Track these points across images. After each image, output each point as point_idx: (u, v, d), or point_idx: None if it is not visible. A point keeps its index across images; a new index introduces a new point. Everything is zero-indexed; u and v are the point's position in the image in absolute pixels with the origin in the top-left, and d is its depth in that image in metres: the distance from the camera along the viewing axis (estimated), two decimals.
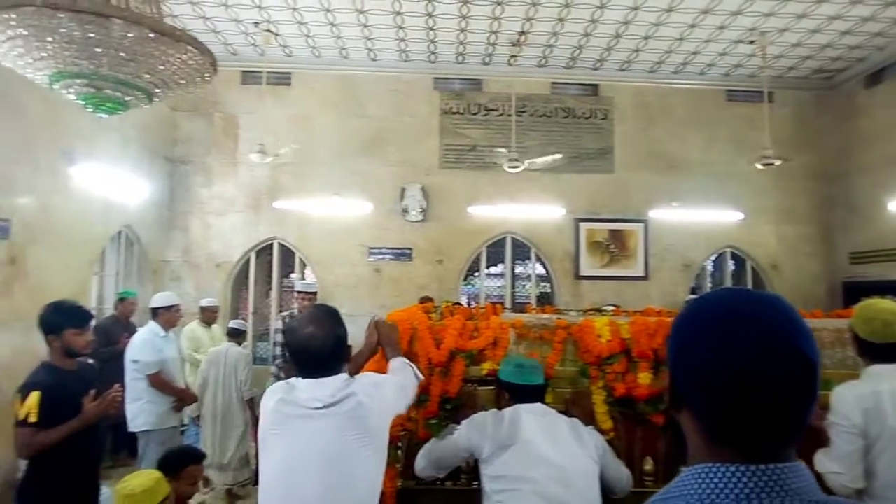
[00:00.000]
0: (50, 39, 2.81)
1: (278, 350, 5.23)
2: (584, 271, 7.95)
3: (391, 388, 1.89)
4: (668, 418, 2.43)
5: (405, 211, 7.79)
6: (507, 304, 7.55)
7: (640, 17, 6.51)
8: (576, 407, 2.50)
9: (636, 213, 8.02)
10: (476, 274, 8.51)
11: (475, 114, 8.07)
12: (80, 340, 2.89)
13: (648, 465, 2.51)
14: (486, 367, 2.51)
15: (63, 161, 5.50)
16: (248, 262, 7.85)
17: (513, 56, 7.46)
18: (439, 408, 2.45)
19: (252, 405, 4.87)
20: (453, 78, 8.07)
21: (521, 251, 8.35)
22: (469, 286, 8.53)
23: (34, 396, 2.66)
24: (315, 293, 5.33)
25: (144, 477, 2.52)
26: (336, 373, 1.82)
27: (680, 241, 8.01)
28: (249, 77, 7.86)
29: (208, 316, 5.98)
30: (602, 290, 7.70)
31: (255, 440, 1.99)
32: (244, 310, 7.99)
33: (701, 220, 8.02)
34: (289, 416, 1.73)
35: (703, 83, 8.18)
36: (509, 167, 6.98)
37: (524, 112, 8.07)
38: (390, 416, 1.87)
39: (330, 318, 1.85)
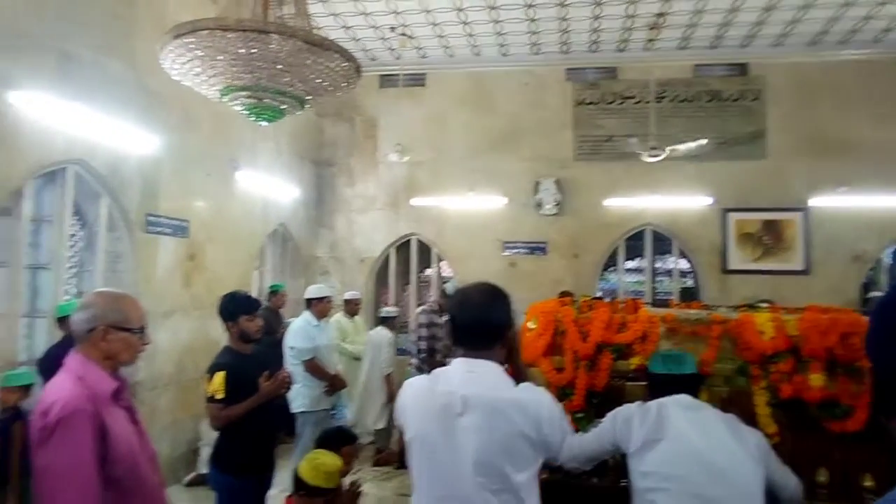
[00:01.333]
0: (220, 58, 3.12)
1: (423, 344, 5.36)
2: (732, 265, 7.37)
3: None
4: (868, 427, 2.17)
5: (539, 205, 7.73)
6: (647, 300, 7.22)
7: None
8: (733, 407, 2.32)
9: (794, 202, 7.28)
10: (613, 268, 8.23)
11: (610, 103, 7.80)
12: (252, 325, 3.21)
13: (823, 477, 2.25)
14: (635, 361, 2.42)
15: (229, 168, 6.12)
16: (388, 257, 8.23)
17: (651, 40, 7.10)
18: (586, 402, 2.40)
19: (390, 381, 5.65)
20: (587, 67, 7.85)
21: (662, 244, 7.93)
22: (605, 281, 8.27)
23: (219, 376, 3.00)
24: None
25: (332, 458, 2.76)
26: (493, 351, 1.72)
27: (848, 231, 7.15)
28: (387, 80, 8.22)
29: (351, 308, 6.37)
30: (753, 286, 7.09)
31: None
32: (385, 303, 8.38)
33: (874, 206, 7.09)
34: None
35: (878, 53, 7.22)
36: (649, 157, 6.66)
37: (664, 98, 7.65)
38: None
39: (498, 293, 1.79)
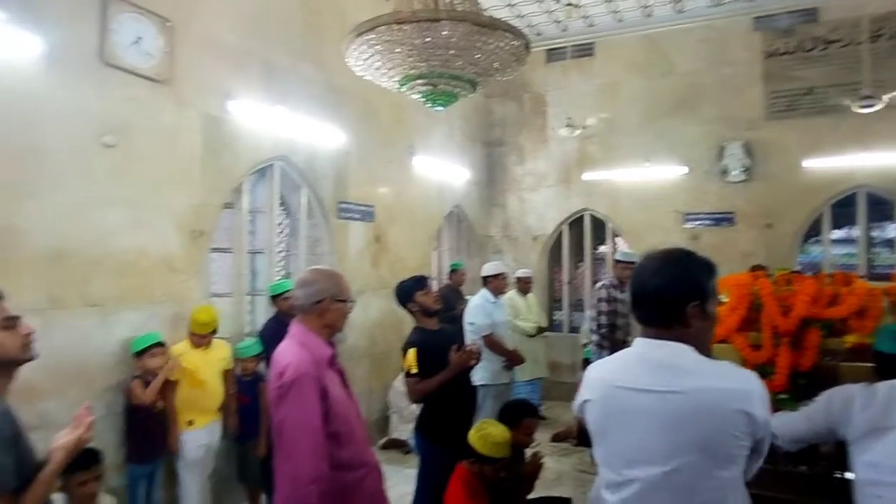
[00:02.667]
0: (398, 50, 3.31)
1: (603, 320, 5.14)
2: None
3: None
4: None
5: (724, 172, 7.10)
6: (862, 274, 6.31)
7: None
8: None
9: None
10: (815, 239, 7.30)
11: (809, 50, 6.86)
12: (428, 298, 3.40)
13: None
14: (851, 339, 2.14)
15: (407, 154, 6.50)
16: (560, 234, 8.16)
17: None
18: (790, 382, 2.18)
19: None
20: (779, 13, 6.98)
21: (880, 210, 6.85)
22: (805, 255, 7.36)
23: (412, 353, 3.25)
24: (633, 263, 5.26)
25: (500, 429, 2.88)
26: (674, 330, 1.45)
27: None
28: (554, 54, 8.08)
29: (523, 285, 6.43)
30: None
31: None
32: (558, 280, 8.35)
33: None
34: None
35: None
36: (861, 107, 5.77)
37: (880, 36, 6.53)
38: None
39: (682, 257, 1.52)
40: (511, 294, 6.35)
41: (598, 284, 5.35)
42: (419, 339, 3.30)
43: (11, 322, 1.67)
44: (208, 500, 3.96)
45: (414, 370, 3.20)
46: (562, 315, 8.21)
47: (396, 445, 5.67)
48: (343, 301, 2.18)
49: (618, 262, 5.32)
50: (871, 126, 6.28)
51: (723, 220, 7.12)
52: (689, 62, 7.35)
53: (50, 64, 3.20)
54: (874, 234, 7.14)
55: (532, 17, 7.39)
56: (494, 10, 7.03)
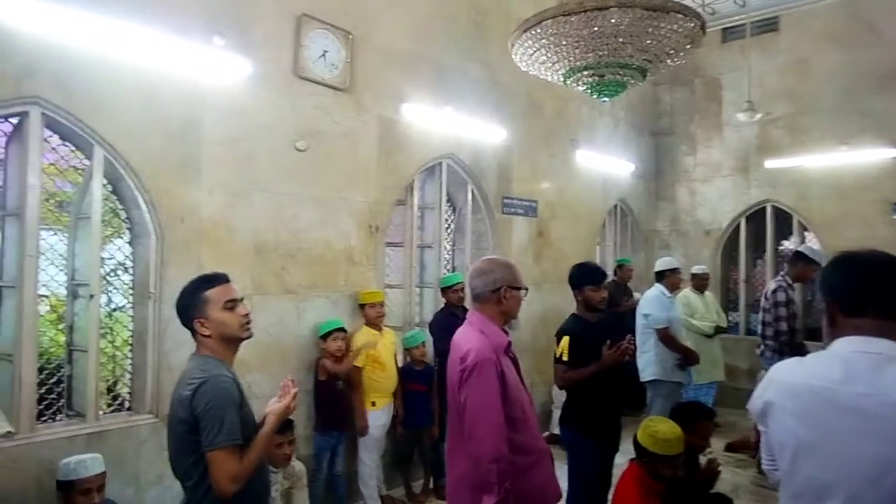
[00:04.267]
0: (564, 42, 3.29)
1: (783, 325, 4.72)
2: None
3: None
4: None
5: None
6: None
7: None
8: None
9: None
10: None
11: None
12: (596, 296, 3.36)
13: None
14: None
15: (570, 148, 6.42)
16: (737, 228, 7.52)
17: None
18: None
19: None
20: None
21: None
22: None
23: (565, 340, 3.25)
24: (819, 264, 4.73)
25: (670, 426, 2.77)
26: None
27: None
28: (730, 33, 7.47)
29: (699, 283, 6.04)
30: None
31: None
32: (734, 279, 7.71)
33: None
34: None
35: None
36: None
37: None
38: None
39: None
40: (686, 292, 5.99)
41: (773, 286, 4.85)
42: (574, 328, 3.30)
43: (233, 304, 1.96)
44: (382, 476, 4.29)
45: (565, 357, 3.20)
46: (738, 316, 7.56)
47: (557, 441, 5.65)
48: (518, 288, 2.25)
49: (800, 258, 4.80)
50: None
51: None
52: None
53: (256, 81, 3.68)
54: None
55: None
56: None
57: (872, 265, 1.38)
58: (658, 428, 2.72)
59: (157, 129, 3.31)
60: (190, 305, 1.95)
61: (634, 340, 3.47)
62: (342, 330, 3.98)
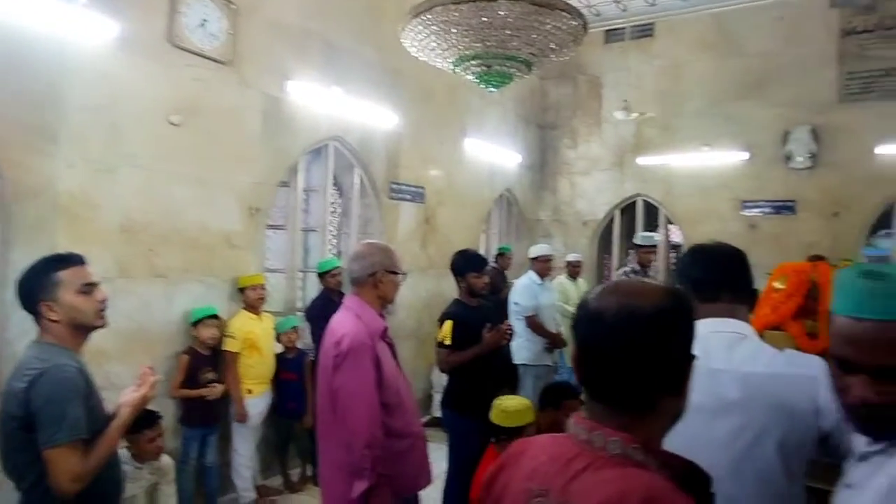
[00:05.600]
0: (454, 30, 3.32)
1: None
2: None
3: None
4: None
5: (788, 158, 6.80)
6: None
7: None
8: None
9: None
10: (886, 232, 6.91)
11: (891, 28, 6.45)
12: (478, 282, 3.47)
13: None
14: None
15: (460, 136, 6.50)
16: (612, 219, 8.03)
17: None
18: None
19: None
20: None
21: None
22: (872, 248, 7.00)
23: (448, 324, 3.33)
24: (655, 247, 5.44)
25: (517, 400, 2.93)
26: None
27: None
28: (612, 35, 7.89)
29: (573, 270, 6.41)
30: None
31: None
32: (608, 266, 8.23)
33: None
34: None
35: None
36: None
37: None
38: None
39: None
40: (561, 279, 6.33)
41: (621, 270, 5.37)
42: (457, 312, 3.39)
43: (90, 288, 1.80)
44: (257, 466, 4.16)
45: (448, 341, 3.29)
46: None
47: (438, 424, 5.78)
48: (395, 273, 2.26)
49: (639, 246, 5.39)
50: None
51: (783, 208, 6.85)
52: (760, 43, 7.02)
53: (124, 45, 3.37)
54: None
55: None
56: None
57: (722, 256, 1.54)
58: (505, 403, 2.84)
59: (8, 91, 2.95)
60: (37, 287, 1.76)
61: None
62: (215, 317, 3.79)
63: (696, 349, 1.38)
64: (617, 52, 7.84)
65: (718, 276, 1.49)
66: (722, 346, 1.39)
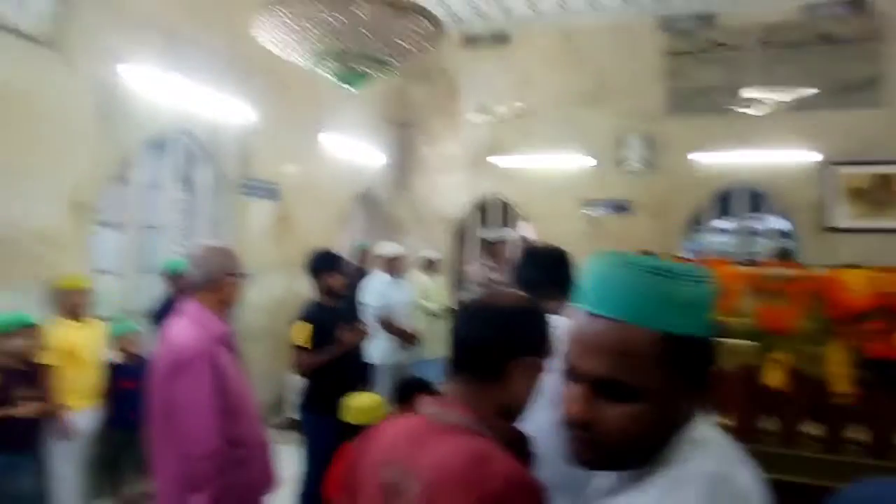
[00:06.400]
0: (308, 25, 3.24)
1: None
2: (835, 222, 6.85)
3: None
4: None
5: (625, 162, 7.50)
6: (738, 260, 6.89)
7: None
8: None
9: None
10: (703, 228, 7.88)
11: (705, 52, 7.33)
12: (335, 282, 3.43)
13: None
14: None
15: (317, 132, 6.37)
16: (469, 217, 8.32)
17: None
18: None
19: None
20: (681, 16, 7.40)
21: (757, 202, 7.49)
22: (691, 242, 7.95)
23: (304, 327, 3.26)
24: (505, 242, 5.65)
25: (368, 397, 2.93)
26: None
27: None
28: (470, 40, 8.16)
29: (431, 266, 6.54)
30: (860, 245, 6.56)
31: None
32: (466, 262, 8.52)
33: None
34: None
35: None
36: (744, 109, 6.26)
37: (768, 44, 7.09)
38: None
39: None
40: (419, 275, 6.42)
41: (476, 265, 5.59)
42: (312, 314, 3.34)
43: None
44: (82, 490, 3.75)
45: (303, 344, 3.23)
46: (467, 296, 8.41)
47: (293, 426, 5.63)
48: (236, 275, 2.17)
49: (490, 242, 5.66)
50: (757, 127, 6.84)
51: (621, 208, 7.53)
52: (600, 57, 7.64)
53: None
54: (752, 224, 7.76)
55: (450, 1, 7.40)
56: None
57: (552, 258, 1.67)
58: (357, 401, 2.85)
59: None
60: None
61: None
62: (30, 326, 3.34)
63: None
64: (475, 57, 8.12)
65: (546, 275, 1.61)
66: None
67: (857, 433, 2.25)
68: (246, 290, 2.25)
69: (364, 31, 3.31)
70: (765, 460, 0.98)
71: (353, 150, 6.96)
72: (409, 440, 1.09)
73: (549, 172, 7.74)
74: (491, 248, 5.62)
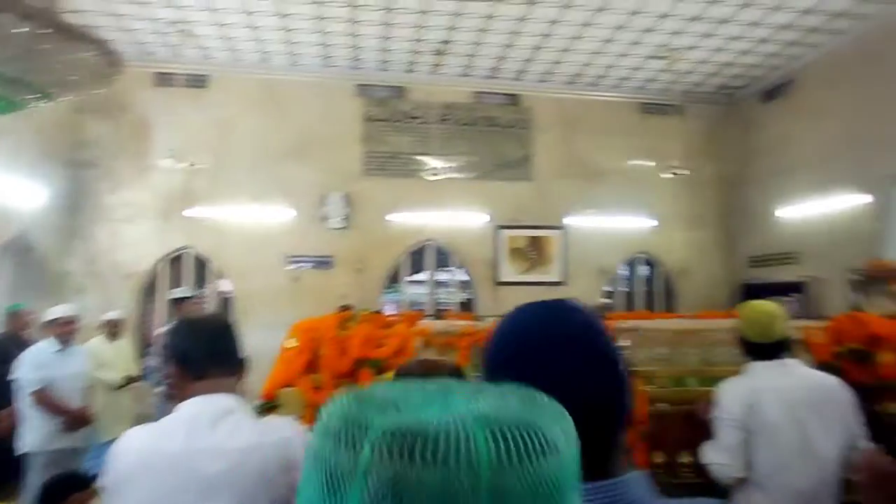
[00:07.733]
0: None
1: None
2: (504, 277, 8.10)
3: None
4: None
5: (326, 218, 7.69)
6: (430, 311, 7.58)
7: (559, 30, 6.72)
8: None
9: (555, 220, 8.25)
10: (400, 282, 8.50)
11: (398, 121, 8.08)
12: None
13: None
14: (391, 376, 2.49)
15: None
16: (157, 272, 7.49)
17: (436, 64, 7.54)
18: None
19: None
20: (377, 85, 8.04)
21: (444, 258, 8.41)
22: (394, 293, 8.51)
23: None
24: (194, 298, 5.39)
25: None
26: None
27: (596, 247, 8.29)
28: (163, 79, 7.54)
29: (112, 329, 5.64)
30: (521, 296, 7.60)
31: None
32: (154, 322, 7.59)
33: (616, 226, 8.36)
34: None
35: (619, 96, 8.53)
36: (430, 175, 7.05)
37: (447, 120, 8.16)
38: None
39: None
40: (94, 341, 5.45)
41: (164, 328, 5.04)
42: None
43: None
44: None
45: None
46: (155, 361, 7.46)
47: None
48: None
49: (177, 300, 5.33)
50: (439, 191, 7.73)
51: (322, 263, 7.67)
52: (301, 112, 7.79)
53: None
54: (439, 277, 8.64)
55: (141, 35, 6.76)
56: (94, 14, 6.18)
57: (210, 330, 1.52)
58: None
59: None
60: None
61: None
62: None
63: (181, 432, 1.34)
64: (168, 97, 7.53)
65: (207, 349, 1.48)
66: (206, 423, 1.37)
67: None
68: None
69: (14, 51, 2.83)
70: None
71: (4, 187, 5.71)
72: None
73: (250, 226, 7.50)
74: (180, 308, 5.08)
